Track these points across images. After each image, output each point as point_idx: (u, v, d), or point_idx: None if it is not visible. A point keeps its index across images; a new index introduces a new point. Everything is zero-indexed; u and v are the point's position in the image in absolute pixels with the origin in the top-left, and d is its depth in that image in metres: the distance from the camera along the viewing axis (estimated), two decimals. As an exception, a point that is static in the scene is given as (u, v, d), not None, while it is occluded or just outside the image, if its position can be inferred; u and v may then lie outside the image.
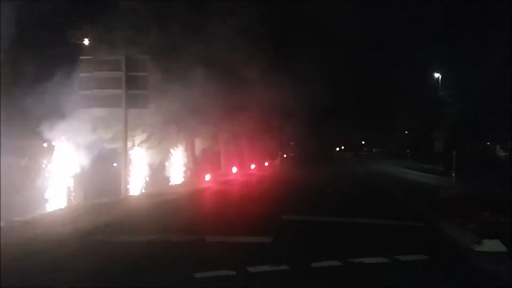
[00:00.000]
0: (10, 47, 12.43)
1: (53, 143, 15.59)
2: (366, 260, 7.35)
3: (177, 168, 23.46)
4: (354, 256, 7.46)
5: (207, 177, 21.82)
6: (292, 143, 48.81)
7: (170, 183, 22.17)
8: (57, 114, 15.46)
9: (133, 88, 15.11)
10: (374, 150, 77.17)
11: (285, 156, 48.68)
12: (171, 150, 22.64)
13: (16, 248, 8.27)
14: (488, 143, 38.15)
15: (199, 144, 24.57)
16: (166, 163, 22.57)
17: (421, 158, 40.06)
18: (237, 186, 21.51)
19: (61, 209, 13.58)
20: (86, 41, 16.94)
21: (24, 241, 8.83)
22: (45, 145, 15.34)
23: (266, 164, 37.44)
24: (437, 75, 34.30)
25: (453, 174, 22.47)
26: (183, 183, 21.72)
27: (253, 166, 32.42)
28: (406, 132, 54.16)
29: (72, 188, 14.80)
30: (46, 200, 15.13)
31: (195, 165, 23.38)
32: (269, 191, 19.22)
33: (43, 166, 15.04)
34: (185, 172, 23.42)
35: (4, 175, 14.21)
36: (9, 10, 12.76)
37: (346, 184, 22.19)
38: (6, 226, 10.06)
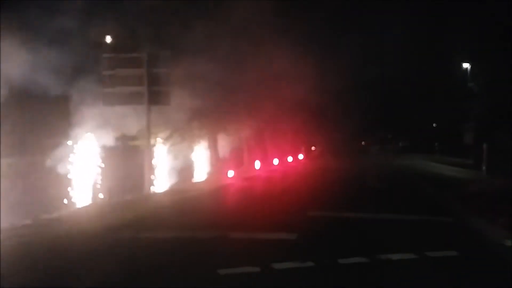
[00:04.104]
0: (31, 45, 12.61)
1: (77, 141, 15.78)
2: (394, 256, 7.20)
3: (200, 165, 23.52)
4: (381, 253, 7.31)
5: (230, 173, 21.79)
6: (318, 137, 48.52)
7: (193, 180, 22.24)
8: (80, 112, 15.64)
9: (155, 84, 15.17)
10: (400, 143, 76.08)
11: (313, 148, 48.59)
12: (194, 147, 22.70)
13: (43, 245, 8.40)
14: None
15: (222, 140, 24.57)
16: (189, 160, 22.64)
17: (449, 151, 39.27)
18: (261, 182, 21.45)
19: (87, 206, 13.75)
20: (108, 39, 17.08)
21: (52, 238, 8.97)
22: (69, 143, 15.54)
23: (290, 159, 37.25)
24: (465, 65, 33.46)
25: (484, 168, 21.88)
26: (206, 180, 21.77)
27: (276, 162, 32.27)
28: (434, 125, 53.12)
29: (97, 186, 14.96)
30: (72, 198, 15.34)
31: (218, 162, 23.39)
32: (293, 187, 19.10)
33: (68, 164, 15.24)
34: (208, 168, 23.46)
35: (30, 174, 14.47)
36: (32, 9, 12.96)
37: (372, 179, 21.87)
38: (34, 223, 10.24)
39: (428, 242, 8.30)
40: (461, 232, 9.56)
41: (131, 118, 16.68)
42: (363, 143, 79.28)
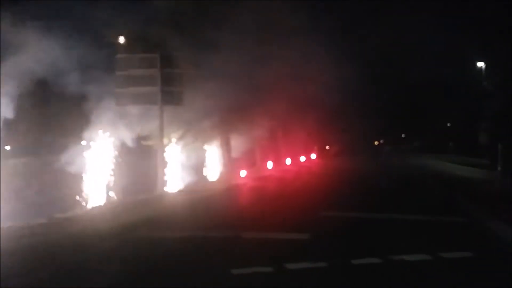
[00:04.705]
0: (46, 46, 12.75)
1: (91, 141, 15.91)
2: (408, 257, 7.15)
3: (213, 165, 23.54)
4: (395, 253, 7.26)
5: (243, 173, 21.78)
6: (331, 137, 48.30)
7: (205, 180, 22.28)
8: (94, 112, 15.76)
9: (168, 85, 15.24)
10: (414, 143, 75.40)
11: (327, 148, 48.43)
12: (206, 147, 22.74)
13: (58, 244, 8.51)
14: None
15: (234, 140, 24.57)
16: (202, 160, 22.68)
17: (464, 151, 38.79)
18: (273, 182, 21.45)
19: (101, 206, 13.86)
20: (121, 40, 17.18)
21: (66, 237, 9.06)
22: (83, 142, 15.67)
23: (303, 159, 37.14)
24: (480, 64, 33.01)
25: (499, 168, 21.58)
26: (218, 180, 21.78)
27: (289, 161, 32.20)
28: (448, 124, 52.51)
29: (111, 185, 15.07)
30: (86, 197, 15.47)
31: (231, 161, 23.39)
32: (306, 186, 19.05)
33: (82, 163, 15.37)
34: (220, 168, 23.47)
35: (46, 173, 14.64)
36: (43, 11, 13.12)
37: (385, 179, 21.72)
38: (49, 222, 10.33)
39: (442, 243, 8.23)
40: (476, 233, 9.48)
41: (144, 118, 16.79)
42: (376, 142, 78.77)
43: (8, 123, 11.98)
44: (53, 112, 15.86)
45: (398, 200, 14.41)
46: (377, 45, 31.53)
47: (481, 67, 32.70)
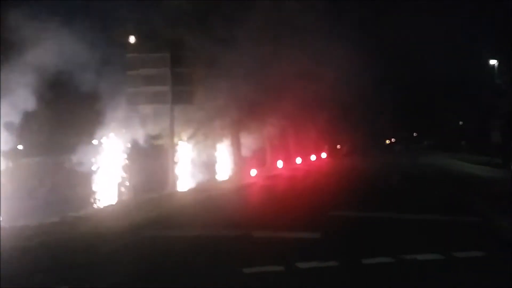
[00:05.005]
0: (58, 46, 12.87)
1: (102, 140, 16.03)
2: (420, 256, 7.11)
3: (223, 164, 23.60)
4: (406, 253, 7.22)
5: (253, 172, 21.83)
6: (342, 136, 48.16)
7: (216, 179, 22.34)
8: (105, 111, 15.87)
9: (178, 84, 15.31)
10: (425, 142, 74.85)
11: (338, 147, 48.33)
12: (217, 146, 22.80)
13: (71, 242, 8.62)
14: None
15: (244, 139, 24.61)
16: (212, 159, 22.74)
17: (476, 150, 38.44)
18: (283, 181, 21.44)
19: (112, 204, 13.98)
20: (132, 39, 17.29)
21: (79, 236, 9.19)
22: (95, 142, 15.81)
23: (313, 158, 37.09)
24: (492, 62, 32.64)
25: (512, 167, 21.38)
26: (229, 179, 21.85)
27: (299, 160, 32.18)
28: (460, 123, 52.05)
29: (122, 184, 15.18)
30: (98, 196, 15.60)
31: (241, 160, 23.43)
32: (316, 186, 19.01)
33: (94, 162, 15.50)
34: (231, 167, 23.52)
35: (58, 172, 14.79)
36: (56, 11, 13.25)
37: (396, 178, 21.59)
38: (61, 221, 10.46)
39: (455, 242, 8.15)
40: (489, 232, 9.35)
41: (155, 117, 16.89)
42: (388, 141, 78.34)
43: (21, 122, 12.09)
44: (66, 111, 16.00)
45: (409, 200, 14.31)
46: (390, 44, 31.39)
47: (494, 64, 32.34)
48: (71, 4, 14.03)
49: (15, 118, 11.72)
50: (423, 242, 8.31)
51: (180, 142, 18.92)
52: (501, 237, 8.98)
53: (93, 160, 15.24)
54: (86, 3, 14.90)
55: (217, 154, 23.02)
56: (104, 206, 13.92)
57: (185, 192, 16.76)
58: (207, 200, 14.56)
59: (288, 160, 30.44)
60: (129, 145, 16.46)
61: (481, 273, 6.54)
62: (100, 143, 15.65)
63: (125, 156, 16.36)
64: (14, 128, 11.72)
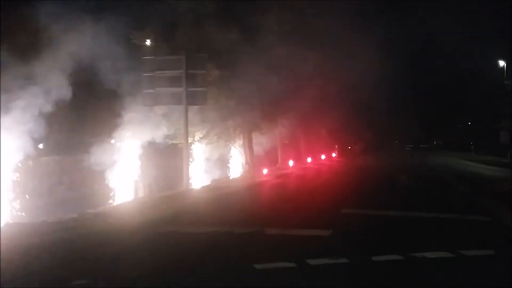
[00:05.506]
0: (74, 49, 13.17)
1: (120, 140, 16.38)
2: (429, 254, 7.16)
3: (235, 162, 23.90)
4: (416, 251, 7.29)
5: (265, 170, 22.08)
6: (353, 136, 48.13)
7: (229, 177, 22.62)
8: (122, 112, 16.21)
9: (192, 85, 15.55)
10: (435, 142, 74.36)
11: (349, 147, 48.26)
12: (230, 145, 23.07)
13: (88, 238, 8.85)
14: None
15: (256, 139, 24.86)
16: (225, 158, 23.04)
17: (485, 150, 38.26)
18: (295, 179, 21.56)
19: (129, 201, 14.26)
20: (148, 42, 17.59)
21: (96, 232, 9.41)
22: (112, 141, 16.13)
23: (323, 157, 37.17)
24: (501, 63, 32.43)
25: (521, 167, 21.35)
26: (241, 177, 22.08)
27: (309, 160, 32.30)
28: (469, 123, 51.73)
29: (139, 182, 15.45)
30: (115, 193, 15.93)
31: (253, 159, 23.68)
32: (327, 184, 19.14)
33: (111, 161, 15.82)
34: (243, 166, 23.79)
35: (77, 171, 15.10)
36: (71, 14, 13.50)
37: (405, 177, 21.66)
38: (79, 217, 10.73)
39: (464, 241, 8.20)
40: (498, 231, 9.41)
41: (170, 118, 17.17)
42: (397, 141, 78.01)
43: (42, 121, 12.38)
44: (85, 111, 16.33)
45: (419, 198, 14.40)
46: (402, 47, 31.30)
47: (503, 65, 32.18)
48: (89, 7, 14.32)
49: (38, 118, 11.99)
50: (433, 240, 8.37)
51: (194, 142, 19.22)
52: (511, 235, 9.06)
53: (110, 158, 15.54)
54: (101, 3, 15.15)
55: (229, 153, 23.31)
56: (120, 203, 14.21)
57: (199, 190, 17.02)
58: (221, 197, 14.71)
59: (300, 160, 30.58)
60: (145, 145, 16.77)
61: (490, 272, 6.60)
62: (117, 142, 15.97)
63: (141, 155, 16.68)
64: (41, 127, 11.94)
